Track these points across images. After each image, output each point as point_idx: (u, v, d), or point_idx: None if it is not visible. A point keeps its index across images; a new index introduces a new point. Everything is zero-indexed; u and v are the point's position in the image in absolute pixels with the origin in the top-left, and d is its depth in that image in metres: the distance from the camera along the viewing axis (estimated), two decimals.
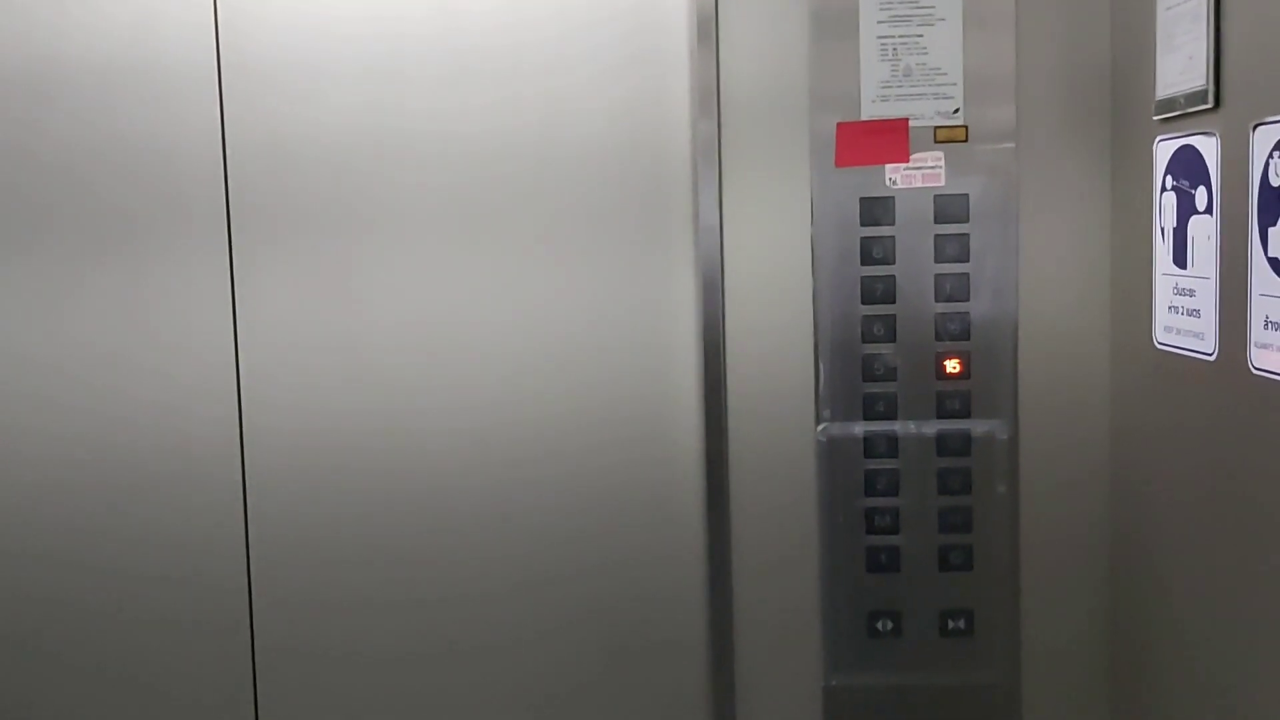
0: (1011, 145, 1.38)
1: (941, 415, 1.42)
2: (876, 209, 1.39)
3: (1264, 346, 1.06)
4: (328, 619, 1.49)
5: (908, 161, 1.38)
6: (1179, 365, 1.23)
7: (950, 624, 1.44)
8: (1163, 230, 1.25)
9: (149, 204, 1.44)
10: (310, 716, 1.50)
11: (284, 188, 1.43)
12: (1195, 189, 1.18)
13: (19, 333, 1.46)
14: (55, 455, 1.48)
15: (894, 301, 1.40)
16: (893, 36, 1.37)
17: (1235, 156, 1.10)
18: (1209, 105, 1.14)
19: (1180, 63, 1.19)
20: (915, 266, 1.40)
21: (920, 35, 1.37)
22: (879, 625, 1.45)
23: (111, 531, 1.49)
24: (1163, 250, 1.26)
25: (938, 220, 1.39)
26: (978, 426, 1.42)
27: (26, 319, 1.46)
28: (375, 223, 1.44)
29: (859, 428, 1.43)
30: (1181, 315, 1.22)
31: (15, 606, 1.50)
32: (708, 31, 1.38)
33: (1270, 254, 1.04)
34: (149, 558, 1.49)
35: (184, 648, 1.50)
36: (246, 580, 1.48)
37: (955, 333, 1.40)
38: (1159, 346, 1.27)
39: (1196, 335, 1.19)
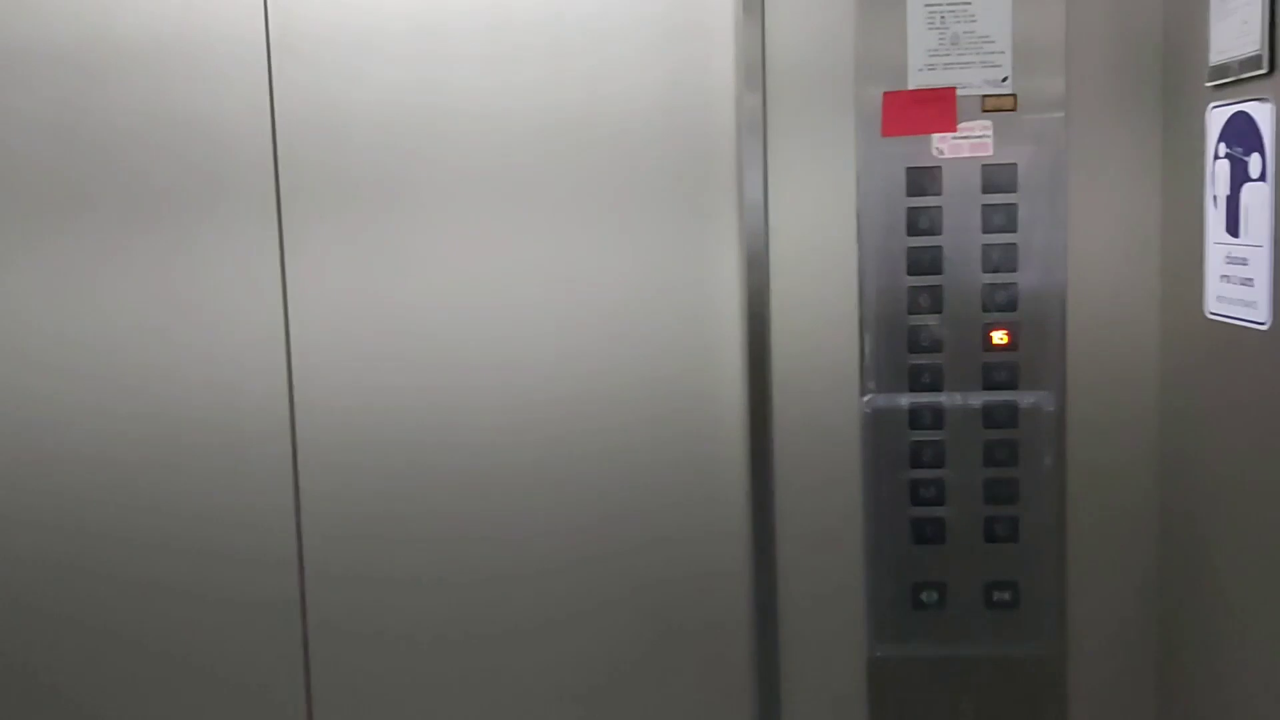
0: (1061, 114, 1.37)
1: (988, 386, 1.41)
2: (923, 179, 1.39)
3: None
4: (377, 591, 1.51)
5: (955, 131, 1.37)
6: (1231, 335, 1.21)
7: (995, 595, 1.44)
8: (1215, 198, 1.24)
9: (200, 180, 1.46)
10: (361, 688, 1.53)
11: (332, 163, 1.45)
12: (1249, 156, 1.16)
13: (69, 309, 1.49)
14: (105, 431, 1.51)
15: (941, 272, 1.40)
16: (940, 4, 1.36)
17: None
18: (1263, 70, 1.12)
19: (1234, 27, 1.17)
20: (962, 237, 1.39)
21: (968, 3, 1.35)
22: (924, 597, 1.45)
23: (162, 507, 1.51)
24: (1215, 218, 1.24)
25: (985, 190, 1.38)
26: (1025, 398, 1.41)
27: (77, 295, 1.49)
28: (422, 197, 1.45)
29: (905, 399, 1.42)
30: (1234, 284, 1.20)
31: (65, 584, 1.53)
32: (753, 2, 1.38)
33: None
34: (200, 533, 1.52)
35: (235, 624, 1.52)
36: (298, 554, 1.51)
37: (1002, 303, 1.39)
38: (1210, 316, 1.26)
39: (1249, 305, 1.17)
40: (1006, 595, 1.44)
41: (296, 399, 1.49)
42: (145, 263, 1.48)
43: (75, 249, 1.48)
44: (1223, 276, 1.23)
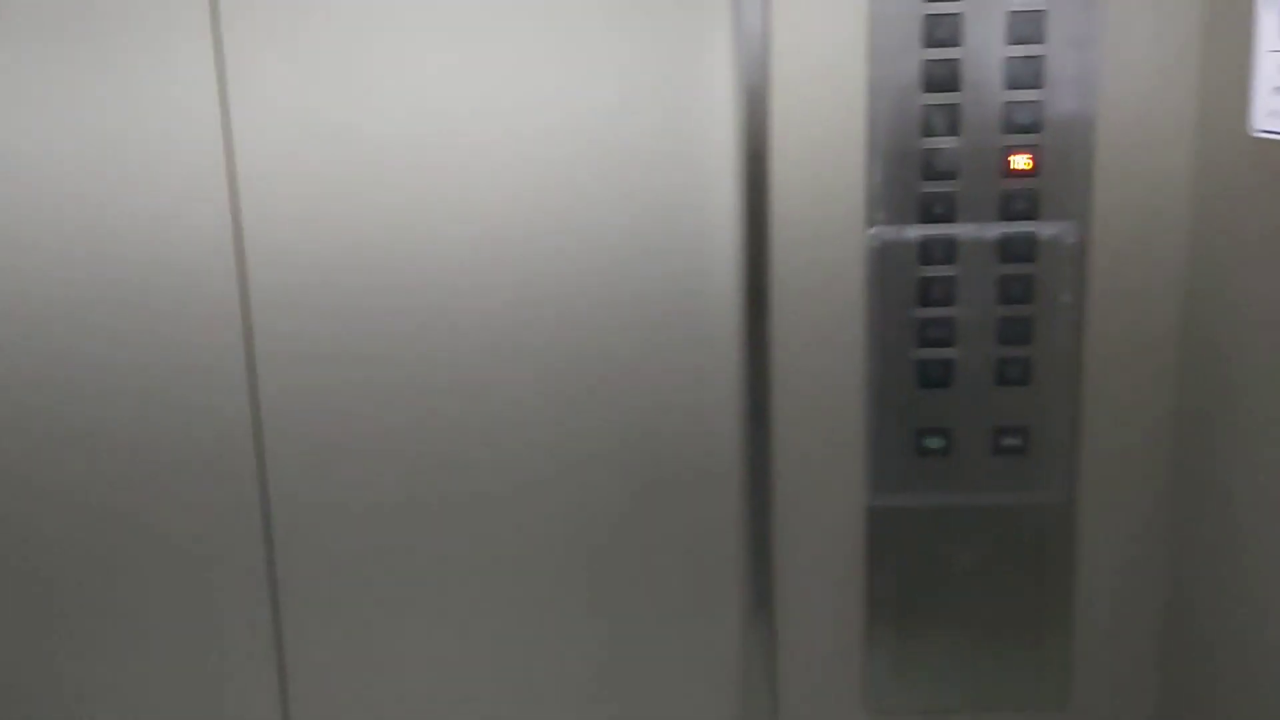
0: None
1: (1005, 217, 1.30)
2: None
3: None
4: (339, 444, 1.41)
5: None
6: None
7: (1004, 441, 1.35)
8: None
9: None
10: (323, 544, 1.44)
11: None
12: None
13: None
14: (27, 267, 1.36)
15: (958, 89, 1.27)
16: None
17: None
18: None
19: None
20: (984, 50, 1.26)
21: None
22: (928, 443, 1.36)
23: (96, 354, 1.39)
24: (1269, 22, 1.11)
25: None
26: (1045, 229, 1.30)
27: None
28: (378, 4, 1.29)
29: (914, 231, 1.31)
30: None
31: None
32: None
33: None
34: (142, 382, 1.39)
35: (186, 477, 1.41)
36: (251, 403, 1.39)
37: (1025, 124, 1.27)
38: (1258, 134, 1.14)
39: None
40: (1017, 441, 1.35)
41: (245, 228, 1.34)
42: (70, 78, 1.31)
43: None
44: (1276, 89, 1.11)
